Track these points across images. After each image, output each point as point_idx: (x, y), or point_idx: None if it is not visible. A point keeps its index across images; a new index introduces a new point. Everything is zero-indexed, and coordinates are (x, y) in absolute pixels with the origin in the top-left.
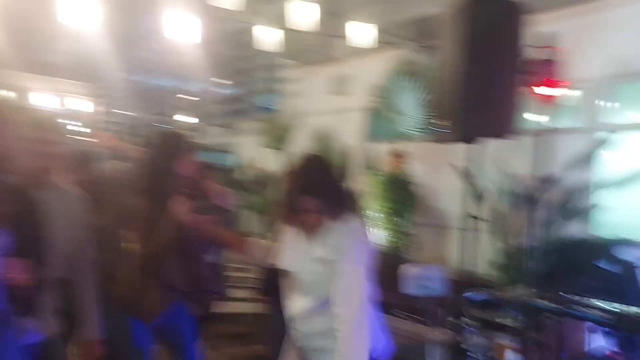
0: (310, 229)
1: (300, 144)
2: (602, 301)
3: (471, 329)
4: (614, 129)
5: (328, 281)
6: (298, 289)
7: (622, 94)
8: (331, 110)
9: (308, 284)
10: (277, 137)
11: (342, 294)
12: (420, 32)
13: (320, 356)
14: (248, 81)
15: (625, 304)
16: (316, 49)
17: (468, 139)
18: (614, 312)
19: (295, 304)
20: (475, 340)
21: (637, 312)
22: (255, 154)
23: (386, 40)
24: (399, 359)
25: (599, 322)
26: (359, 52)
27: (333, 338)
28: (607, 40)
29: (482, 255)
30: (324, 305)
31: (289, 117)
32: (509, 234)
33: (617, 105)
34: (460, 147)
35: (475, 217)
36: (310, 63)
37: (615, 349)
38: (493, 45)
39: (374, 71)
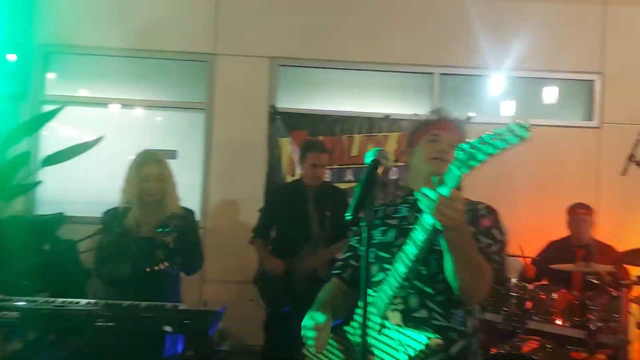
0: None
1: None
2: (26, 298)
3: None
4: (59, 100)
5: None
6: None
7: (64, 65)
8: None
9: None
10: None
11: None
12: None
13: None
14: None
15: (68, 284)
16: None
17: None
18: (22, 309)
19: None
20: None
21: (53, 306)
22: None
23: None
24: None
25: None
26: None
27: None
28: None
29: None
30: None
31: None
32: None
33: (59, 77)
34: None
35: None
36: None
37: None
38: None
39: None
